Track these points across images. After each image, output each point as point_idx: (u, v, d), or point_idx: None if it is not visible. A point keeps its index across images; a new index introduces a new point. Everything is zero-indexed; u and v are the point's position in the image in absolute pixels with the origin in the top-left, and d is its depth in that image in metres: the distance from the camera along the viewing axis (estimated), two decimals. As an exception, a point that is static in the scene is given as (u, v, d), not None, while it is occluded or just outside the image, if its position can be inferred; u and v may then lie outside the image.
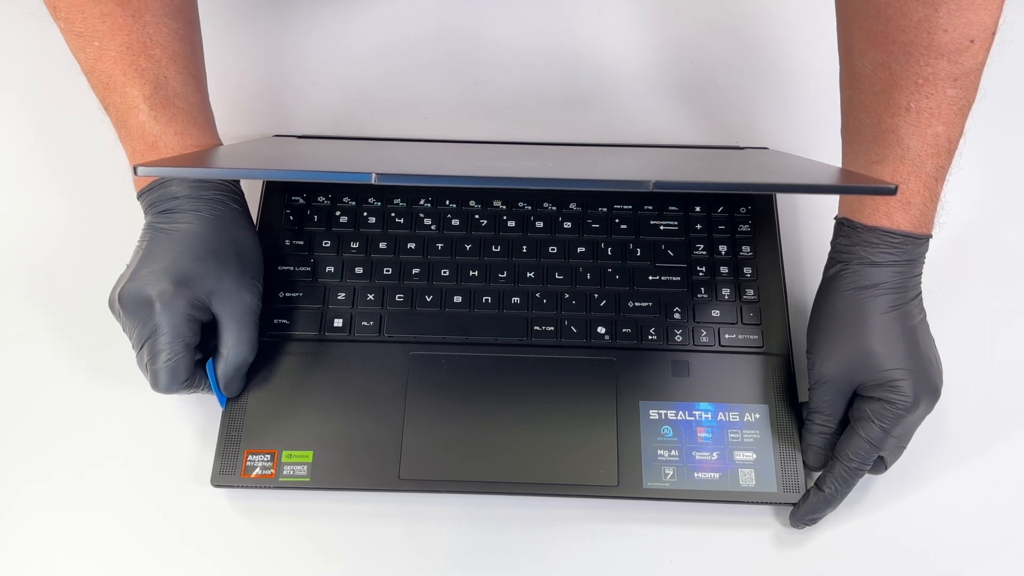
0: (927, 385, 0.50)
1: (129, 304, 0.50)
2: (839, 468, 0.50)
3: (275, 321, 0.57)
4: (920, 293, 0.51)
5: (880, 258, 0.50)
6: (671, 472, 0.52)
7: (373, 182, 0.40)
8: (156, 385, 0.50)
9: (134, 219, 0.53)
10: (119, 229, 0.58)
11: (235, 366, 0.53)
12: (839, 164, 0.55)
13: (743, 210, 0.61)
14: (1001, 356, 0.58)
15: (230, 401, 0.55)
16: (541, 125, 0.68)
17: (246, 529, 0.53)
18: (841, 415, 0.52)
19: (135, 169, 0.39)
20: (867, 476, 0.52)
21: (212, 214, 0.53)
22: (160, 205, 0.52)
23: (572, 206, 0.61)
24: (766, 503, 0.52)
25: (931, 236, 0.51)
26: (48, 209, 0.64)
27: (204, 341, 0.52)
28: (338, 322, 0.57)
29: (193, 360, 0.51)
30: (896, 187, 0.39)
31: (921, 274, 0.51)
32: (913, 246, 0.50)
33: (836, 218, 0.53)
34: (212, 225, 0.52)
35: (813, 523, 0.52)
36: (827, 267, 0.53)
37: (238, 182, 0.56)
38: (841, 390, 0.51)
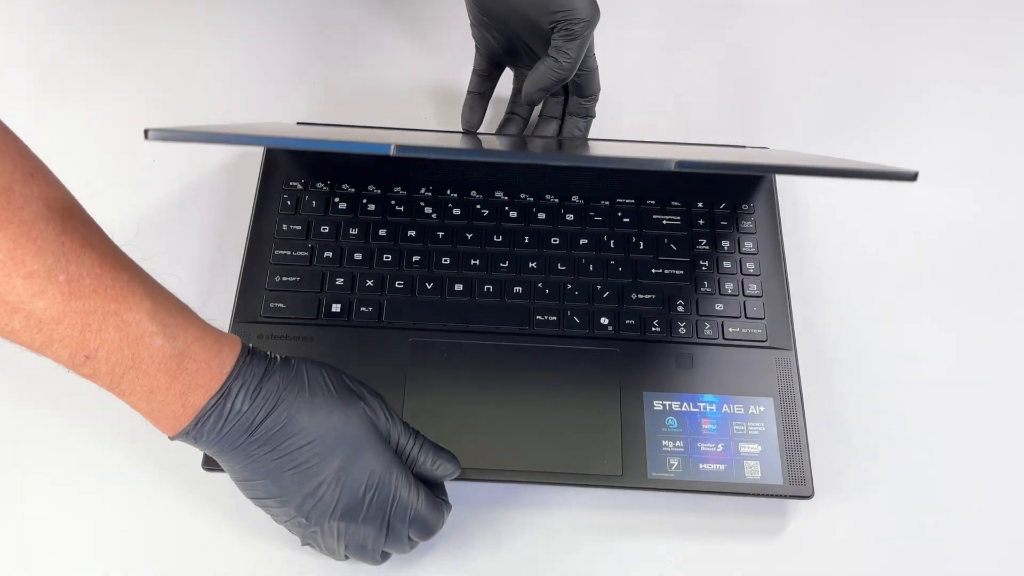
0: None
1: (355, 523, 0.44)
2: None
3: (271, 305, 0.56)
4: None
5: None
6: (676, 463, 0.52)
7: (392, 154, 0.40)
8: (427, 531, 0.47)
9: (133, 216, 0.52)
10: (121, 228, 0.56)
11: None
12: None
13: (745, 206, 0.61)
14: (1000, 353, 0.59)
15: None
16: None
17: (246, 528, 0.52)
18: None
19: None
20: (865, 474, 0.52)
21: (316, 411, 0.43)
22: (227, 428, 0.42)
23: (574, 199, 0.60)
24: (771, 495, 0.52)
25: None
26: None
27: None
28: (336, 307, 0.56)
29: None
30: (916, 173, 0.38)
31: None
32: None
33: None
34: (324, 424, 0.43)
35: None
36: None
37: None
38: None
